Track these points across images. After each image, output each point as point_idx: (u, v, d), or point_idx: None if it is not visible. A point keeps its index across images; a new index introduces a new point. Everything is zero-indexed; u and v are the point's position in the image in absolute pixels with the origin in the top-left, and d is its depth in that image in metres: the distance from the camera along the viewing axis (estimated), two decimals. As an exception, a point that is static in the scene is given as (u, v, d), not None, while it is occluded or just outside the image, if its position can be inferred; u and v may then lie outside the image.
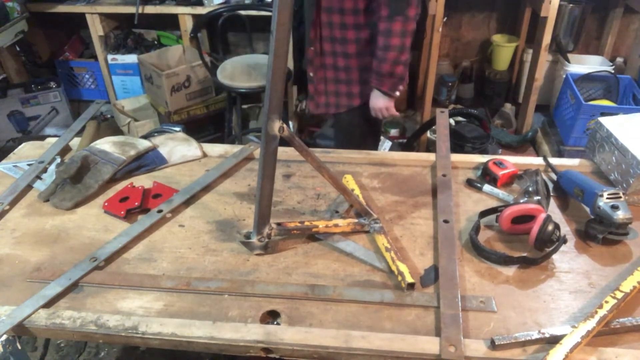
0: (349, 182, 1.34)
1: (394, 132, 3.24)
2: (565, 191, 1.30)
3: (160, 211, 1.26)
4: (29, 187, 1.38)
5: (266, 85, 0.99)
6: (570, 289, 1.04)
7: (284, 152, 1.42)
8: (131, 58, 3.23)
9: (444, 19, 2.81)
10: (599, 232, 1.13)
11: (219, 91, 3.09)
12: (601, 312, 0.93)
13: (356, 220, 1.21)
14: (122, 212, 1.25)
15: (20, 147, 1.59)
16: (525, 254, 1.09)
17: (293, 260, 1.13)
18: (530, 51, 3.00)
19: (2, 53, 3.08)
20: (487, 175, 1.37)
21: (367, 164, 1.47)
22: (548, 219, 1.08)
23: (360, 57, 1.76)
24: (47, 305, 1.02)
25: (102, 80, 3.40)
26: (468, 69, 3.40)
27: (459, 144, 2.52)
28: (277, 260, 1.13)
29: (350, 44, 1.73)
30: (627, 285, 0.99)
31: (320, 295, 1.03)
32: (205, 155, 1.52)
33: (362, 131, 1.98)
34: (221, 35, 3.22)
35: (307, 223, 1.17)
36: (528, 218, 1.13)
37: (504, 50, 3.21)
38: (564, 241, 1.09)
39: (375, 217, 1.21)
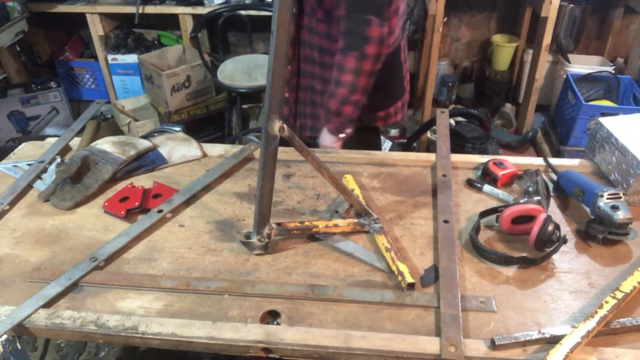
0: (349, 182, 1.34)
1: (394, 132, 3.24)
2: (565, 191, 1.30)
3: (160, 211, 1.26)
4: (29, 187, 1.38)
5: (266, 85, 0.99)
6: (570, 289, 1.04)
7: (284, 152, 1.42)
8: (131, 58, 3.23)
9: (444, 19, 2.81)
10: (599, 232, 1.13)
11: (219, 91, 3.10)
12: (601, 312, 0.93)
13: (356, 220, 1.21)
14: (122, 212, 1.25)
15: (20, 147, 1.59)
16: (525, 254, 1.09)
17: (293, 260, 1.13)
18: (531, 51, 3.00)
19: (2, 53, 3.08)
20: (487, 175, 1.37)
21: (367, 164, 1.47)
22: (548, 219, 1.08)
23: None
24: (47, 305, 1.02)
25: (102, 80, 3.40)
26: (468, 69, 3.40)
27: (459, 144, 2.51)
28: (277, 260, 1.13)
29: (328, 69, 1.55)
30: (627, 286, 0.99)
31: (320, 295, 1.03)
32: (205, 155, 1.52)
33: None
34: (221, 35, 3.22)
35: (307, 223, 1.17)
36: (528, 218, 1.12)
37: (504, 50, 3.22)
38: (564, 241, 1.09)
39: (375, 217, 1.21)
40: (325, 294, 1.03)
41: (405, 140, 3.04)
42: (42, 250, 1.17)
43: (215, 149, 1.54)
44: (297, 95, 1.75)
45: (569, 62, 3.02)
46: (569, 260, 1.11)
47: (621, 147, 1.29)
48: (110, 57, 3.25)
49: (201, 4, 2.96)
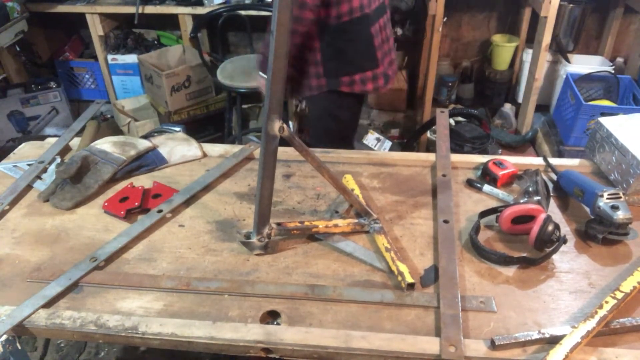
0: (349, 182, 1.34)
1: (394, 132, 3.24)
2: (565, 191, 1.30)
3: (160, 211, 1.26)
4: (29, 187, 1.38)
5: (266, 85, 0.99)
6: (570, 289, 1.04)
7: (284, 152, 1.42)
8: (131, 58, 3.23)
9: (444, 19, 2.81)
10: (599, 232, 1.13)
11: (219, 91, 3.09)
12: (601, 313, 0.93)
13: (356, 221, 1.21)
14: (122, 212, 1.25)
15: (20, 147, 1.59)
16: (525, 254, 1.09)
17: (293, 260, 1.13)
18: (530, 51, 2.99)
19: (2, 53, 3.08)
20: (487, 175, 1.37)
21: (367, 164, 1.47)
22: (548, 219, 1.08)
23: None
24: (47, 305, 1.02)
25: (102, 80, 3.40)
26: (468, 69, 3.40)
27: (459, 144, 2.52)
28: (277, 260, 1.13)
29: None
30: (627, 286, 0.99)
31: (320, 295, 1.03)
32: (205, 155, 1.52)
33: (328, 123, 1.94)
34: (221, 35, 3.22)
35: (307, 223, 1.17)
36: (528, 218, 1.12)
37: (504, 50, 3.21)
38: (564, 241, 1.09)
39: (375, 217, 1.21)
40: (325, 294, 1.03)
41: (405, 140, 3.04)
42: (42, 250, 1.17)
43: (215, 149, 1.54)
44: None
45: (568, 61, 3.02)
46: (568, 260, 1.11)
47: (621, 147, 1.29)
48: (110, 57, 3.25)
49: (201, 4, 2.96)
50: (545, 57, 2.84)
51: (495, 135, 2.92)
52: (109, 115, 3.41)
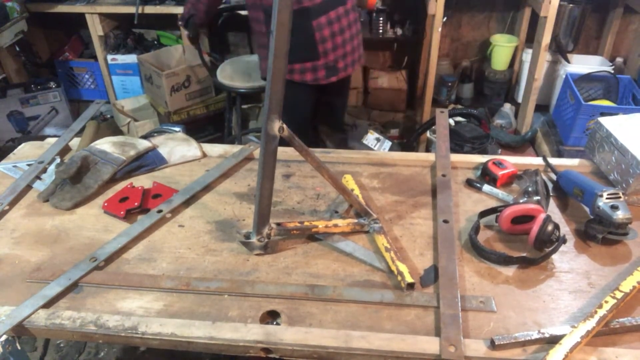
0: (349, 182, 1.34)
1: (393, 132, 3.24)
2: (564, 191, 1.30)
3: (160, 211, 1.26)
4: (29, 187, 1.38)
5: (266, 85, 0.99)
6: (570, 289, 1.04)
7: (284, 152, 1.42)
8: (131, 58, 3.23)
9: (444, 19, 2.81)
10: (599, 232, 1.13)
11: (219, 91, 3.09)
12: (601, 312, 0.93)
13: (356, 220, 1.21)
14: (122, 212, 1.25)
15: (20, 147, 1.59)
16: (525, 254, 1.09)
17: (293, 260, 1.13)
18: (530, 51, 2.99)
19: (2, 53, 3.08)
20: (486, 175, 1.37)
21: (367, 164, 1.47)
22: (548, 219, 1.08)
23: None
24: (47, 305, 1.02)
25: (102, 80, 3.40)
26: (468, 69, 3.40)
27: (458, 144, 2.52)
28: (277, 260, 1.13)
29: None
30: (626, 285, 0.99)
31: (320, 295, 1.03)
32: (205, 155, 1.52)
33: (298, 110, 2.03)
34: (221, 35, 3.22)
35: (306, 223, 1.17)
36: (528, 218, 1.13)
37: (504, 50, 3.21)
38: (564, 241, 1.10)
39: (374, 217, 1.21)
40: (325, 294, 1.03)
41: (405, 140, 3.04)
42: (42, 251, 1.17)
43: (215, 149, 1.54)
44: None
45: (568, 61, 3.02)
46: (568, 260, 1.11)
47: (620, 146, 1.29)
48: (109, 57, 3.25)
49: (201, 4, 2.96)
50: (545, 57, 2.84)
51: (495, 135, 2.92)
52: (108, 116, 3.41)
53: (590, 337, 0.90)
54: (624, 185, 1.28)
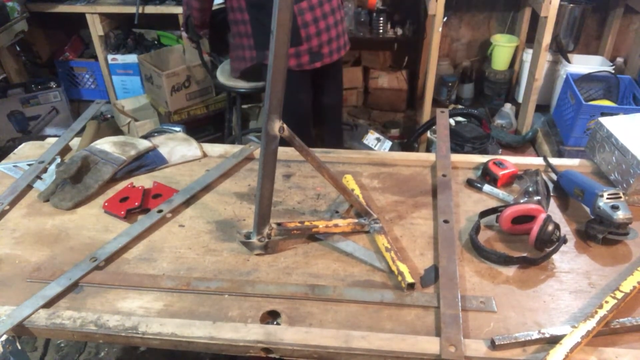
0: (349, 182, 1.34)
1: (394, 132, 3.24)
2: (565, 191, 1.30)
3: (160, 211, 1.26)
4: (29, 187, 1.38)
5: (266, 85, 0.99)
6: (570, 289, 1.04)
7: (284, 152, 1.42)
8: (131, 58, 3.23)
9: (444, 19, 2.81)
10: (599, 232, 1.13)
11: (219, 91, 3.09)
12: (601, 312, 0.93)
13: (356, 220, 1.21)
14: (122, 212, 1.25)
15: (20, 147, 1.59)
16: (525, 254, 1.09)
17: (293, 260, 1.13)
18: (530, 51, 2.99)
19: (2, 53, 3.08)
20: (487, 175, 1.37)
21: (367, 164, 1.47)
22: (548, 219, 1.08)
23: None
24: (47, 305, 1.02)
25: (102, 80, 3.40)
26: (468, 69, 3.40)
27: (459, 144, 2.52)
28: (277, 260, 1.13)
29: None
30: (627, 286, 0.99)
31: (320, 295, 1.03)
32: (205, 155, 1.52)
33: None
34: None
35: (307, 223, 1.17)
36: (528, 218, 1.13)
37: (504, 50, 3.22)
38: (564, 241, 1.09)
39: (375, 217, 1.21)
40: (325, 294, 1.03)
41: (405, 140, 3.04)
42: (42, 250, 1.17)
43: (215, 149, 1.54)
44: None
45: (568, 61, 3.02)
46: (568, 260, 1.11)
47: (621, 147, 1.29)
48: (110, 57, 3.25)
49: (201, 4, 2.96)
50: (545, 57, 2.84)
51: (495, 135, 2.92)
52: (109, 115, 3.41)
53: (591, 337, 0.90)
54: (624, 185, 1.28)
